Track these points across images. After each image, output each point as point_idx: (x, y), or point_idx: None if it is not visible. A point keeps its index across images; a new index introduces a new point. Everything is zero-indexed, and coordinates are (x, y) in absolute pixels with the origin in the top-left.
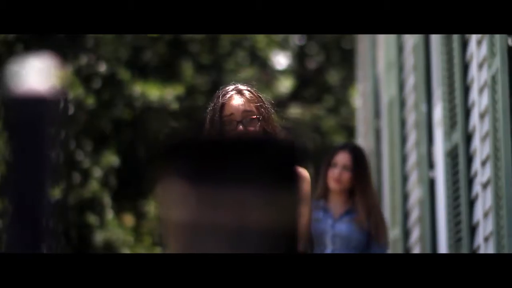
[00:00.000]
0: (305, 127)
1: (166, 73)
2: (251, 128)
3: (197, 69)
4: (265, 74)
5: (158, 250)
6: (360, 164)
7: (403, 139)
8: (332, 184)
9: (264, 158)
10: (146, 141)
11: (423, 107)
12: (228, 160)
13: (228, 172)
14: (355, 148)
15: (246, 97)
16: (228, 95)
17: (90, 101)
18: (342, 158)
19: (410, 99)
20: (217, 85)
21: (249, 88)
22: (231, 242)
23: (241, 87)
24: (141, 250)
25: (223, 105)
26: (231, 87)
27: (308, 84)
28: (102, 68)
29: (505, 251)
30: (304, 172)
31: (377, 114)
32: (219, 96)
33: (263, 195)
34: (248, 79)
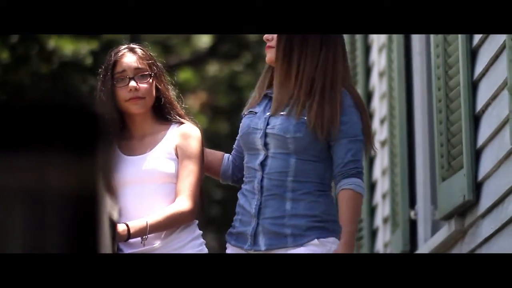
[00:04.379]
0: (222, 83)
1: None
2: (143, 85)
3: None
4: None
5: None
6: None
7: None
8: None
9: (65, 123)
10: (65, 94)
11: None
12: (28, 124)
13: (29, 136)
14: None
15: (138, 55)
16: (120, 53)
17: (5, 55)
18: None
19: None
20: (135, 39)
21: (141, 47)
22: (34, 207)
23: (133, 45)
24: None
25: (115, 63)
26: (124, 46)
27: (226, 40)
28: None
29: (399, 208)
30: (192, 129)
31: None
32: (112, 54)
33: (63, 160)
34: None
